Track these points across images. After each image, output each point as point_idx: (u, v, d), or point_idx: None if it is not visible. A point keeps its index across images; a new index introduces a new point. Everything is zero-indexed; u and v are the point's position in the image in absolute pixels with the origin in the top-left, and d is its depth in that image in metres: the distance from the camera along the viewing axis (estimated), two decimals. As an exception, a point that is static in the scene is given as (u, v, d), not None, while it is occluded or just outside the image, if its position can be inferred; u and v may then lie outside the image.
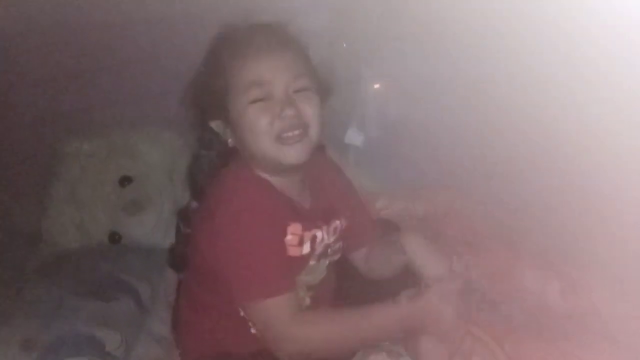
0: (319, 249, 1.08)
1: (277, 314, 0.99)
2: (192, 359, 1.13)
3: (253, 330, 1.06)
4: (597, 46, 1.29)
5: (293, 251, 1.05)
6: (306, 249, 1.06)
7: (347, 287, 1.20)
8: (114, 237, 1.64)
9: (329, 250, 1.12)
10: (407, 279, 1.13)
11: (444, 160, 1.66)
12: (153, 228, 1.65)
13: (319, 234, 1.08)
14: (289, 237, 1.04)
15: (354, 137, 1.72)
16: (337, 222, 1.13)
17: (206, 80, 1.05)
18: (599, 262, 1.43)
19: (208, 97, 1.04)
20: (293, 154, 1.01)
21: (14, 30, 1.65)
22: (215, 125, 1.07)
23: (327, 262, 1.13)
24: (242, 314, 1.05)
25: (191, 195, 1.17)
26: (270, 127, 1.00)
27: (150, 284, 1.47)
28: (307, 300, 1.12)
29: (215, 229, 1.01)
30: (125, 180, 1.68)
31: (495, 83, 1.54)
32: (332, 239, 1.12)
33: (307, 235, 1.06)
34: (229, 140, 1.06)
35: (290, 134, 1.00)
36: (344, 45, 1.64)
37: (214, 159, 1.10)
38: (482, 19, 1.43)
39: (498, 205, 1.62)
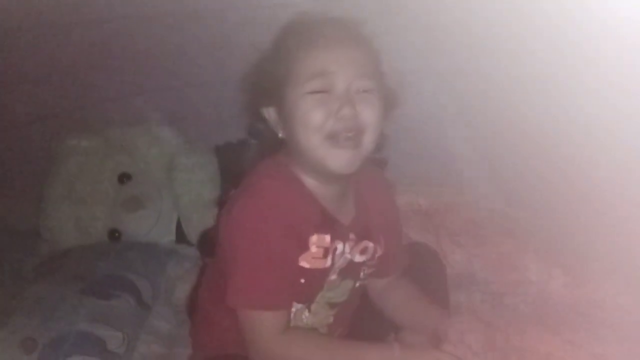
0: (338, 263, 1.03)
1: (261, 328, 0.96)
2: (206, 353, 1.09)
3: None
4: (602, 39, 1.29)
5: (317, 263, 0.99)
6: (330, 261, 1.01)
7: (365, 311, 1.15)
8: (114, 235, 1.63)
9: (361, 273, 1.08)
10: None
11: (446, 154, 1.66)
12: (153, 225, 1.64)
13: (339, 245, 1.02)
14: (313, 250, 0.98)
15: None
16: (370, 244, 1.07)
17: (268, 64, 0.99)
18: (602, 254, 1.43)
19: (266, 81, 0.98)
20: (341, 159, 0.94)
21: (10, 26, 1.64)
22: (268, 113, 1.00)
23: (356, 284, 1.08)
24: None
25: (230, 180, 1.13)
26: (324, 123, 0.93)
27: (150, 281, 1.46)
28: (331, 319, 1.08)
29: (229, 223, 0.97)
30: (124, 177, 1.67)
31: (498, 75, 1.53)
32: (361, 259, 1.06)
33: (332, 246, 1.01)
34: (280, 131, 0.99)
35: (343, 137, 0.93)
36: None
37: (260, 148, 1.05)
38: (483, 9, 1.42)
39: (501, 198, 1.62)
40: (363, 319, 1.15)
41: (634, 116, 1.39)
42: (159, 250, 1.59)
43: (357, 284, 1.08)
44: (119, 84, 1.74)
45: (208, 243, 1.36)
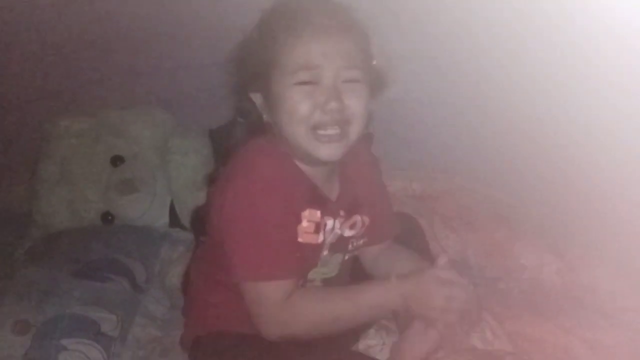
0: (329, 238, 1.04)
1: (267, 298, 0.96)
2: (198, 331, 1.10)
3: None
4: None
5: (309, 238, 1.01)
6: (321, 236, 1.03)
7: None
8: (107, 218, 1.62)
9: (350, 245, 1.09)
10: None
11: (441, 140, 1.66)
12: (146, 208, 1.63)
13: (329, 222, 1.03)
14: (304, 224, 1.00)
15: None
16: (358, 217, 1.08)
17: (254, 49, 0.98)
18: (595, 240, 1.44)
19: (253, 67, 0.98)
20: (327, 152, 0.96)
21: (2, 6, 1.61)
22: (255, 97, 1.01)
23: (345, 257, 1.10)
24: None
25: (221, 159, 1.12)
26: (310, 115, 0.94)
27: (144, 265, 1.45)
28: None
29: (224, 199, 0.97)
30: (117, 160, 1.66)
31: (496, 62, 1.53)
32: (351, 233, 1.08)
33: (322, 222, 1.02)
34: (264, 116, 1.00)
35: (328, 131, 0.94)
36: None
37: (249, 127, 1.05)
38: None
39: (495, 183, 1.62)
40: None
41: (626, 103, 1.40)
42: (153, 233, 1.58)
43: (346, 257, 1.10)
44: (111, 65, 1.72)
45: (200, 221, 1.37)
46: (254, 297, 0.98)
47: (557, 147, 1.54)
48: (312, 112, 0.94)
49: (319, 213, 1.01)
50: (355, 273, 1.16)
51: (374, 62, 1.00)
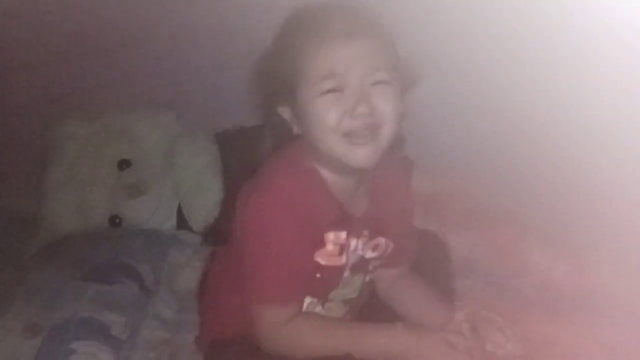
0: (351, 259, 1.02)
1: (267, 320, 0.96)
2: (215, 334, 1.09)
3: None
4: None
5: (333, 260, 0.99)
6: (344, 258, 1.00)
7: (371, 304, 1.15)
8: (114, 221, 1.62)
9: (370, 266, 1.07)
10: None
11: (448, 139, 1.65)
12: (153, 211, 1.63)
13: (352, 242, 1.01)
14: (329, 247, 0.97)
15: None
16: (382, 240, 1.06)
17: (275, 63, 0.96)
18: (604, 240, 1.43)
19: (276, 82, 0.96)
20: (361, 156, 0.92)
21: (5, 11, 1.62)
22: (283, 111, 0.98)
23: (367, 278, 1.08)
24: None
25: (242, 171, 1.10)
26: (339, 123, 0.91)
27: (152, 267, 1.45)
28: (342, 315, 1.08)
29: (245, 216, 0.96)
30: (123, 164, 1.66)
31: (501, 60, 1.52)
32: (373, 255, 1.06)
33: (347, 244, 1.00)
34: (295, 129, 0.97)
35: (360, 135, 0.91)
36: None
37: (277, 140, 1.02)
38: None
39: (503, 184, 1.61)
40: (371, 313, 1.14)
41: (631, 101, 1.39)
42: (161, 236, 1.58)
43: (367, 278, 1.08)
44: (117, 68, 1.72)
45: (214, 233, 1.36)
46: (258, 317, 0.97)
47: (566, 146, 1.53)
48: (341, 120, 0.91)
49: (344, 234, 0.99)
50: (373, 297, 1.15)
51: (400, 62, 0.97)
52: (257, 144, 1.04)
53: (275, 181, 0.95)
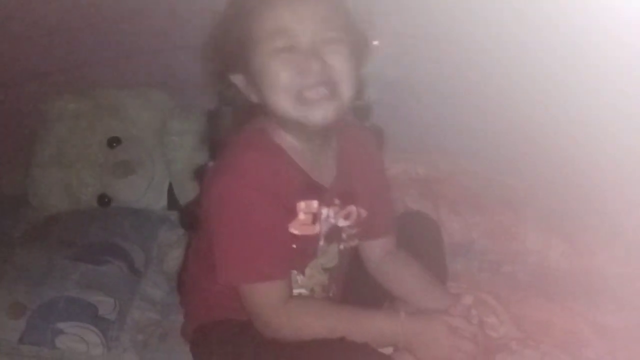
0: (324, 228, 1.01)
1: (261, 300, 0.94)
2: (198, 321, 1.08)
3: None
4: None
5: (306, 229, 0.98)
6: (317, 227, 0.99)
7: (359, 276, 1.14)
8: (103, 200, 1.59)
9: (343, 235, 1.06)
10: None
11: (445, 122, 1.63)
12: (144, 191, 1.61)
13: (324, 211, 1.00)
14: (301, 216, 0.97)
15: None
16: (354, 208, 1.04)
17: (227, 28, 0.95)
18: (601, 222, 1.43)
19: (229, 47, 0.95)
20: (317, 114, 0.91)
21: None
22: (236, 79, 0.97)
23: (341, 246, 1.06)
24: None
25: (209, 153, 1.09)
26: (292, 82, 0.90)
27: (142, 248, 1.43)
28: (325, 281, 1.07)
29: (211, 198, 0.94)
30: (113, 142, 1.63)
31: (499, 41, 1.50)
32: (345, 224, 1.04)
33: (319, 212, 0.98)
34: (252, 97, 0.97)
35: (314, 92, 0.90)
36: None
37: (235, 115, 1.01)
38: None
39: (500, 167, 1.60)
40: (357, 285, 1.14)
41: (628, 92, 1.38)
42: (151, 216, 1.55)
43: (342, 247, 1.07)
44: (108, 45, 1.68)
45: (189, 217, 1.35)
46: (249, 299, 0.95)
47: (563, 128, 1.52)
48: (295, 77, 0.90)
49: (315, 203, 0.98)
50: (356, 267, 1.14)
51: (352, 24, 0.95)
52: (218, 122, 1.03)
53: (238, 160, 0.94)
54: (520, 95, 1.56)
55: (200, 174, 1.06)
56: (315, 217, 0.98)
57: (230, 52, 0.95)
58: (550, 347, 1.13)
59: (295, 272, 1.02)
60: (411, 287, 1.10)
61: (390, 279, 1.13)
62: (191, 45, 1.68)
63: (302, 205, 0.97)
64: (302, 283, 1.04)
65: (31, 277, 1.28)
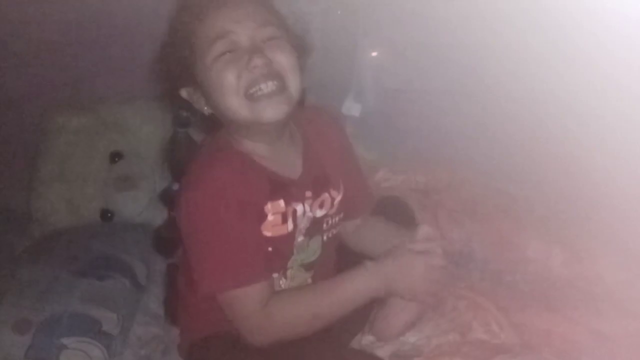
0: (302, 224, 1.02)
1: (241, 306, 0.95)
2: (191, 338, 1.09)
3: None
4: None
5: (278, 230, 0.99)
6: (291, 225, 1.00)
7: (347, 262, 1.13)
8: (106, 215, 1.60)
9: (325, 225, 1.06)
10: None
11: (444, 131, 1.64)
12: (145, 205, 1.61)
13: (299, 207, 1.00)
14: (270, 218, 0.97)
15: (351, 107, 1.66)
16: (327, 194, 1.05)
17: (171, 47, 0.98)
18: (601, 230, 1.43)
19: (174, 63, 0.97)
20: (269, 110, 0.92)
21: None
22: (185, 93, 0.99)
23: (324, 237, 1.07)
24: None
25: (172, 175, 1.11)
26: (238, 81, 0.91)
27: (145, 262, 1.44)
28: (309, 281, 1.07)
29: (180, 215, 0.96)
30: (115, 156, 1.64)
31: (496, 50, 1.51)
32: (322, 213, 1.05)
33: (290, 210, 0.99)
34: (205, 109, 0.98)
35: (262, 87, 0.91)
36: (339, 12, 1.60)
37: (192, 134, 1.04)
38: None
39: (500, 175, 1.61)
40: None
41: (625, 88, 1.39)
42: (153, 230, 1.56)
43: (325, 237, 1.07)
44: (109, 59, 1.70)
45: (161, 241, 1.36)
46: (229, 307, 0.96)
47: (561, 137, 1.52)
48: (240, 76, 0.91)
49: (282, 202, 0.98)
50: (341, 251, 1.15)
51: (288, 23, 0.98)
52: (171, 142, 1.04)
53: (203, 173, 0.95)
54: (519, 105, 1.57)
55: (165, 196, 1.08)
56: (285, 216, 0.99)
57: (176, 67, 0.97)
58: (550, 355, 1.13)
59: (277, 276, 1.03)
60: (381, 239, 1.12)
61: (364, 241, 1.15)
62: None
63: (268, 206, 0.97)
64: (285, 287, 1.04)
65: (35, 292, 1.28)
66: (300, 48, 0.98)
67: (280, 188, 0.99)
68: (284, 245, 1.01)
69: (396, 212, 1.23)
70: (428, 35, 1.59)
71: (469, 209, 1.54)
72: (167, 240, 1.39)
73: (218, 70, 0.92)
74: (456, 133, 1.63)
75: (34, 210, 1.63)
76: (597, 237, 1.42)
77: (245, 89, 0.91)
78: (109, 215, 1.60)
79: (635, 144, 1.40)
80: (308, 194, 1.02)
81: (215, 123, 1.00)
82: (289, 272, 1.05)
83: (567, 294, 1.31)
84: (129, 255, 1.42)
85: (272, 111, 0.93)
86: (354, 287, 0.98)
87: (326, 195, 1.05)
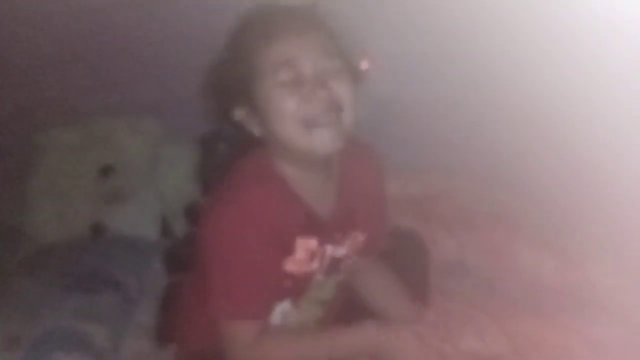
0: (326, 263, 1.01)
1: (237, 336, 0.95)
2: (188, 349, 1.08)
3: None
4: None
5: (302, 267, 0.98)
6: (316, 264, 0.99)
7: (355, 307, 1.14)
8: (97, 229, 1.59)
9: (342, 265, 1.05)
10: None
11: (437, 140, 1.64)
12: (137, 219, 1.61)
13: (329, 247, 1.00)
14: (298, 254, 0.96)
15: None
16: (355, 235, 1.04)
17: (230, 65, 0.95)
18: (594, 237, 1.43)
19: (232, 83, 0.95)
20: (324, 140, 0.91)
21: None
22: (239, 114, 0.97)
23: (341, 277, 1.06)
24: None
25: (201, 190, 1.09)
26: (298, 110, 0.90)
27: (136, 276, 1.43)
28: (320, 314, 1.07)
29: (206, 230, 0.95)
30: (106, 171, 1.64)
31: (490, 59, 1.52)
32: (343, 252, 1.04)
33: (320, 250, 0.98)
34: (255, 130, 0.96)
35: (321, 118, 0.90)
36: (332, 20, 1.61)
37: (232, 152, 1.03)
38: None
39: (492, 183, 1.61)
40: (351, 312, 1.12)
41: (617, 99, 1.40)
42: (144, 244, 1.55)
43: (342, 277, 1.07)
44: (98, 74, 1.71)
45: (175, 258, 1.35)
46: (225, 334, 0.96)
47: (554, 144, 1.53)
48: (300, 106, 0.90)
49: (314, 241, 0.98)
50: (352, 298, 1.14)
51: (349, 56, 0.97)
52: (207, 157, 1.03)
53: (236, 193, 0.94)
54: (511, 113, 1.58)
55: (191, 211, 1.06)
56: (314, 255, 0.98)
57: (233, 87, 0.95)
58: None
59: (289, 306, 1.02)
60: (381, 296, 1.12)
61: (364, 286, 1.14)
62: (181, 70, 1.72)
63: (301, 242, 0.96)
64: (295, 319, 1.04)
65: (26, 308, 1.27)
66: (356, 77, 0.98)
67: (315, 226, 0.98)
68: (302, 282, 1.00)
69: (407, 246, 1.23)
70: (420, 45, 1.60)
71: (461, 217, 1.54)
72: (180, 257, 1.38)
73: (279, 96, 0.91)
74: (448, 141, 1.64)
75: (25, 226, 1.62)
76: (589, 244, 1.43)
77: (304, 118, 0.90)
78: (100, 229, 1.59)
79: (627, 152, 1.41)
80: (338, 235, 1.02)
81: (255, 142, 0.98)
82: (302, 304, 1.04)
83: (559, 301, 1.32)
84: (121, 270, 1.41)
85: (328, 143, 0.91)
86: (351, 342, 0.99)
87: (352, 236, 1.04)
